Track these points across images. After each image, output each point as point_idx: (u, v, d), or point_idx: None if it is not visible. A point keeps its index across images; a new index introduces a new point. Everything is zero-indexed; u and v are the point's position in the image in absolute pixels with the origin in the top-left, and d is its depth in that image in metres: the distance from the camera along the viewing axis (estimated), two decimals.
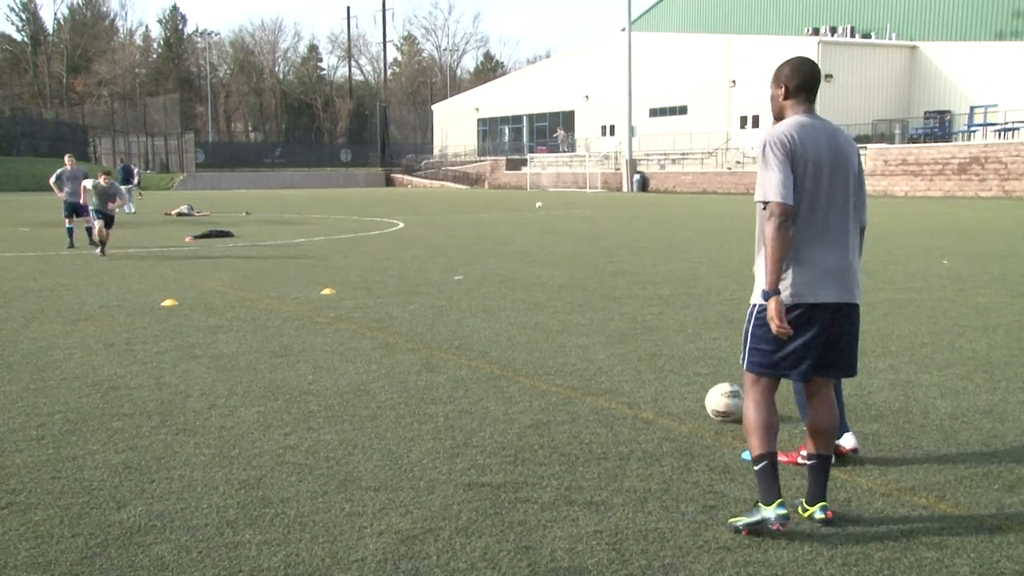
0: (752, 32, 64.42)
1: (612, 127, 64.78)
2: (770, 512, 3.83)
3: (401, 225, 25.26)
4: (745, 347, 4.05)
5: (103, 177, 17.27)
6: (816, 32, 59.71)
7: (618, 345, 8.05)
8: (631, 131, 56.74)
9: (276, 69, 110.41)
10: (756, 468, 3.94)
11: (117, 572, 3.57)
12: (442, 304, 10.56)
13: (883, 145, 46.21)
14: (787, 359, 3.94)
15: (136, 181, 33.22)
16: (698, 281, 12.45)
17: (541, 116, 73.68)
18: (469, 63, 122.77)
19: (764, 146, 3.89)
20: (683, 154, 57.44)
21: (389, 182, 78.76)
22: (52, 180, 18.83)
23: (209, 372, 7.08)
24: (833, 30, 60.00)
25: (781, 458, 4.55)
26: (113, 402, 6.17)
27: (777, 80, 4.09)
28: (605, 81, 64.44)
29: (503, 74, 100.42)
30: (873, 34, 60.12)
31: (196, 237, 20.69)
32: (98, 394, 6.38)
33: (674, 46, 61.51)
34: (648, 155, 59.07)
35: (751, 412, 4.00)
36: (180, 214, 31.32)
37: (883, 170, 44.48)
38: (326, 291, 11.53)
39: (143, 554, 3.73)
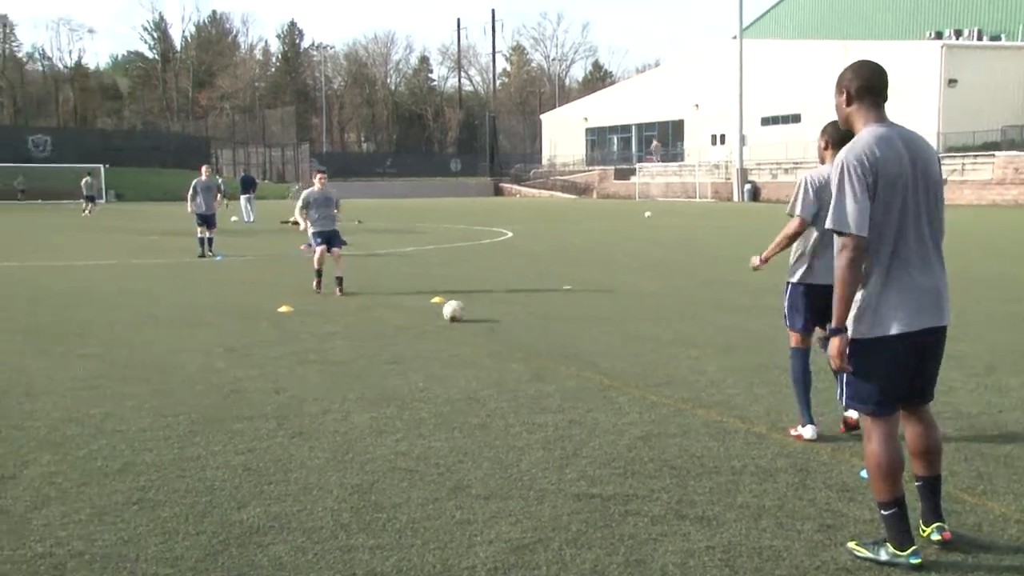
0: (870, 38, 62.54)
1: (723, 136, 63.79)
2: (903, 559, 3.60)
3: (510, 235, 25.39)
4: (842, 382, 3.74)
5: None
6: (939, 36, 57.52)
7: (729, 357, 7.90)
8: (742, 140, 55.79)
9: (388, 80, 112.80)
10: (885, 514, 3.65)
11: (238, 570, 3.68)
12: (551, 313, 10.57)
13: (1013, 152, 44.15)
14: (892, 391, 3.64)
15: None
16: None
17: (650, 125, 73.11)
18: (577, 73, 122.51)
19: (841, 168, 3.56)
20: (796, 163, 56.10)
21: (498, 192, 79.32)
22: (189, 192, 18.80)
23: (324, 378, 7.24)
24: (958, 33, 57.67)
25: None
26: (233, 405, 6.37)
27: (839, 86, 3.78)
28: (715, 89, 63.53)
29: (612, 83, 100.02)
30: (1003, 36, 57.56)
31: (310, 246, 21.16)
32: (219, 396, 6.60)
33: (787, 53, 60.24)
34: (760, 164, 57.94)
35: (875, 453, 3.65)
36: (296, 223, 32.11)
37: (1013, 179, 42.47)
38: (437, 299, 11.65)
39: (262, 554, 3.83)
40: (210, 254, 18.42)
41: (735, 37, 56.57)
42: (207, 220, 18.68)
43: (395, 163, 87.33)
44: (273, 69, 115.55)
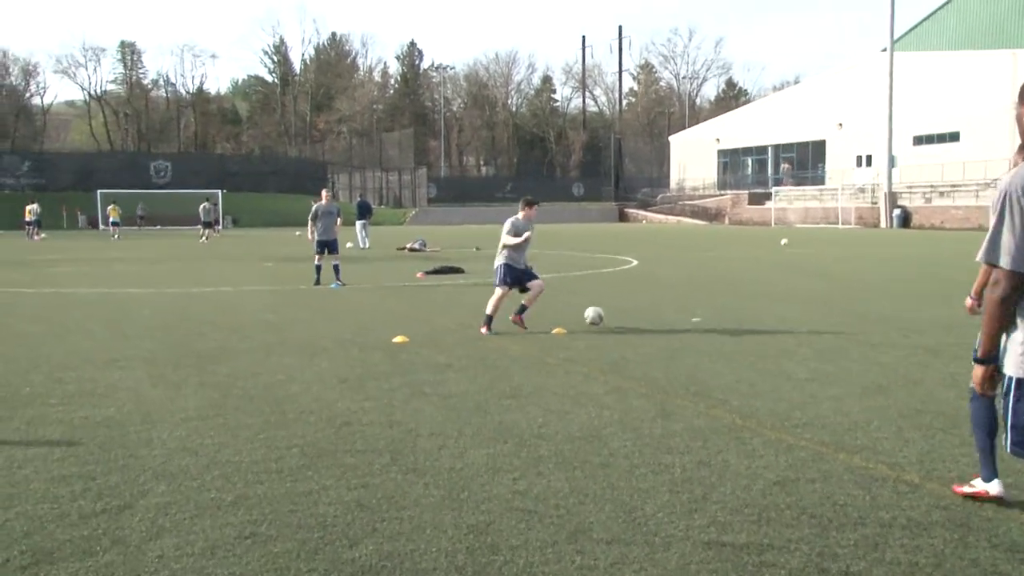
0: None
1: (868, 157, 62.10)
2: None
3: (635, 263, 25.28)
4: (1007, 425, 3.58)
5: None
6: None
7: (875, 398, 7.64)
8: (891, 161, 54.13)
9: (509, 102, 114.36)
10: None
11: None
12: (678, 347, 10.45)
13: None
14: None
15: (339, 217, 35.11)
16: (973, 330, 11.61)
17: (788, 147, 71.82)
18: (709, 91, 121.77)
19: (1003, 196, 3.42)
20: (953, 186, 54.10)
21: (622, 217, 79.21)
22: (310, 216, 18.82)
23: (439, 411, 7.34)
24: None
25: (961, 490, 4.52)
26: (346, 438, 6.52)
27: (1021, 97, 3.59)
28: (861, 107, 61.98)
29: (746, 102, 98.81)
30: None
31: (428, 273, 21.63)
32: (332, 429, 6.77)
33: (944, 65, 58.29)
34: (911, 187, 56.10)
35: None
36: (412, 249, 32.88)
37: None
38: (557, 330, 11.69)
39: None
40: (339, 282, 18.31)
41: (884, 50, 55.12)
42: (328, 246, 18.66)
43: (515, 187, 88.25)
44: (392, 91, 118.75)
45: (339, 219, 19.20)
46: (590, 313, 12.20)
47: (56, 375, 8.98)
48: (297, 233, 19.25)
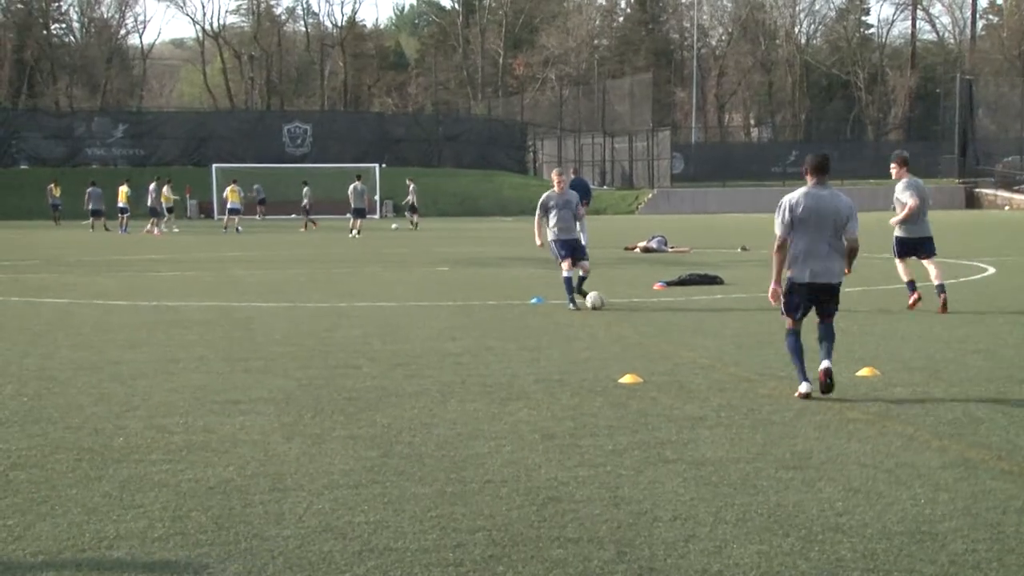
0: None
1: None
2: None
3: (991, 271, 24.38)
4: None
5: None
6: None
7: None
8: None
9: (797, 30, 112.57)
10: None
11: None
12: None
13: None
14: None
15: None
16: None
17: None
18: None
19: None
20: None
21: (972, 202, 76.58)
22: (539, 210, 18.31)
23: (686, 485, 7.31)
24: None
25: None
26: (552, 519, 6.59)
27: None
28: None
29: None
30: None
31: (670, 283, 21.56)
32: (533, 507, 6.86)
33: None
34: None
35: None
36: (647, 249, 32.89)
37: None
38: (865, 371, 11.42)
39: None
40: (579, 300, 17.64)
41: None
42: (574, 250, 17.95)
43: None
44: (621, 19, 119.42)
45: (583, 210, 19.06)
46: (592, 297, 12.77)
47: (158, 421, 9.50)
48: (539, 241, 18.87)
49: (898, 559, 5.88)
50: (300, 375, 11.77)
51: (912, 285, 16.91)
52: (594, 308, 12.84)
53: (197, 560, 5.96)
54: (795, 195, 10.43)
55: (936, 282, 16.78)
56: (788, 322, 10.47)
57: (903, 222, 16.90)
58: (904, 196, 16.84)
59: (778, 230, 10.33)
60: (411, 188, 52.96)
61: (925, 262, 16.97)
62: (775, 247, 10.34)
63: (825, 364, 10.15)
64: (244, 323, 16.38)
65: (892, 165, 17.08)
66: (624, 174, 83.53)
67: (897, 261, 17.28)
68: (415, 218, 53.21)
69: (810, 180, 10.47)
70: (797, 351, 10.42)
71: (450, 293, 20.86)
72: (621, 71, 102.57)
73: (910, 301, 16.79)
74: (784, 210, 10.31)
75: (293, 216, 58.77)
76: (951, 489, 7.19)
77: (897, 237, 17.10)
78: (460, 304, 18.96)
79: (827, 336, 10.37)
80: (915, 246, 17.03)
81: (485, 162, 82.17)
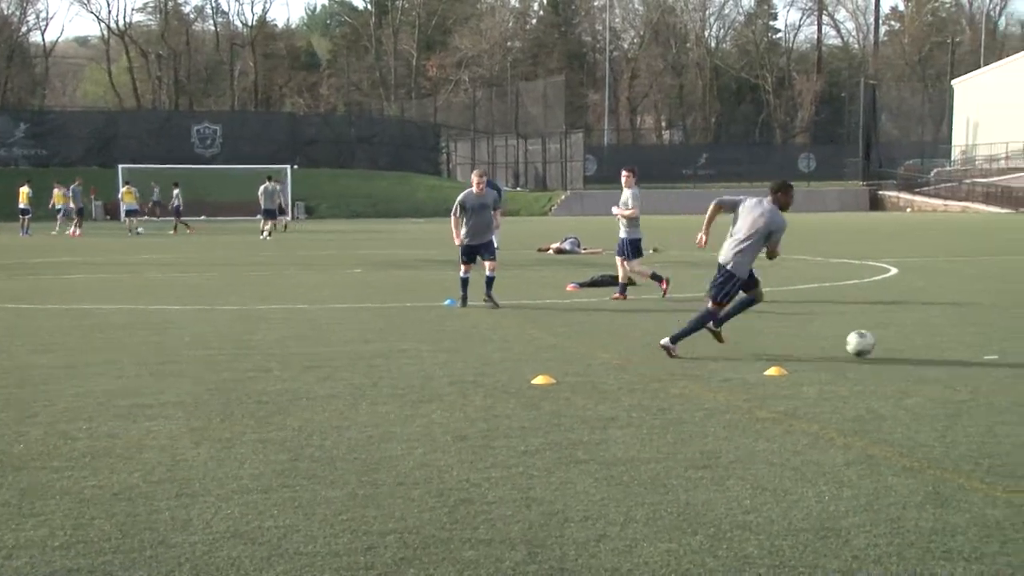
0: None
1: None
2: None
3: (893, 272, 24.76)
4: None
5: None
6: None
7: None
8: None
9: (707, 34, 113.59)
10: None
11: None
12: (962, 398, 10.22)
13: None
14: None
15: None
16: None
17: None
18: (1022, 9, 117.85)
19: None
20: None
21: (876, 204, 77.69)
22: (454, 211, 18.70)
23: (598, 486, 7.36)
24: None
25: None
26: (464, 521, 6.60)
27: None
28: None
29: None
30: None
31: (582, 285, 21.67)
32: (444, 509, 6.87)
33: None
34: None
35: None
36: (560, 251, 33.02)
37: None
38: (773, 371, 11.56)
39: None
40: (489, 299, 18.24)
41: None
42: (481, 251, 18.45)
43: (712, 160, 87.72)
44: (534, 21, 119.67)
45: (499, 212, 19.21)
46: (855, 340, 12.61)
47: (61, 427, 9.35)
48: (458, 241, 18.90)
49: (803, 555, 5.97)
50: (211, 379, 11.67)
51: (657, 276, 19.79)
52: (860, 355, 12.27)
53: (100, 568, 5.89)
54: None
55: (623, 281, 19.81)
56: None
57: (633, 226, 19.61)
58: (633, 203, 19.40)
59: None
60: (271, 188, 45.48)
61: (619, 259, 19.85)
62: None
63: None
64: (159, 327, 16.19)
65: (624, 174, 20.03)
66: (537, 176, 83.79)
67: (635, 262, 19.79)
68: (285, 220, 51.94)
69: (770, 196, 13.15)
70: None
71: (366, 295, 20.81)
72: (534, 73, 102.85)
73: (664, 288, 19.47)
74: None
75: (202, 217, 58.26)
76: (854, 485, 7.30)
77: (631, 240, 19.63)
78: (375, 306, 18.91)
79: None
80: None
81: (400, 164, 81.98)
